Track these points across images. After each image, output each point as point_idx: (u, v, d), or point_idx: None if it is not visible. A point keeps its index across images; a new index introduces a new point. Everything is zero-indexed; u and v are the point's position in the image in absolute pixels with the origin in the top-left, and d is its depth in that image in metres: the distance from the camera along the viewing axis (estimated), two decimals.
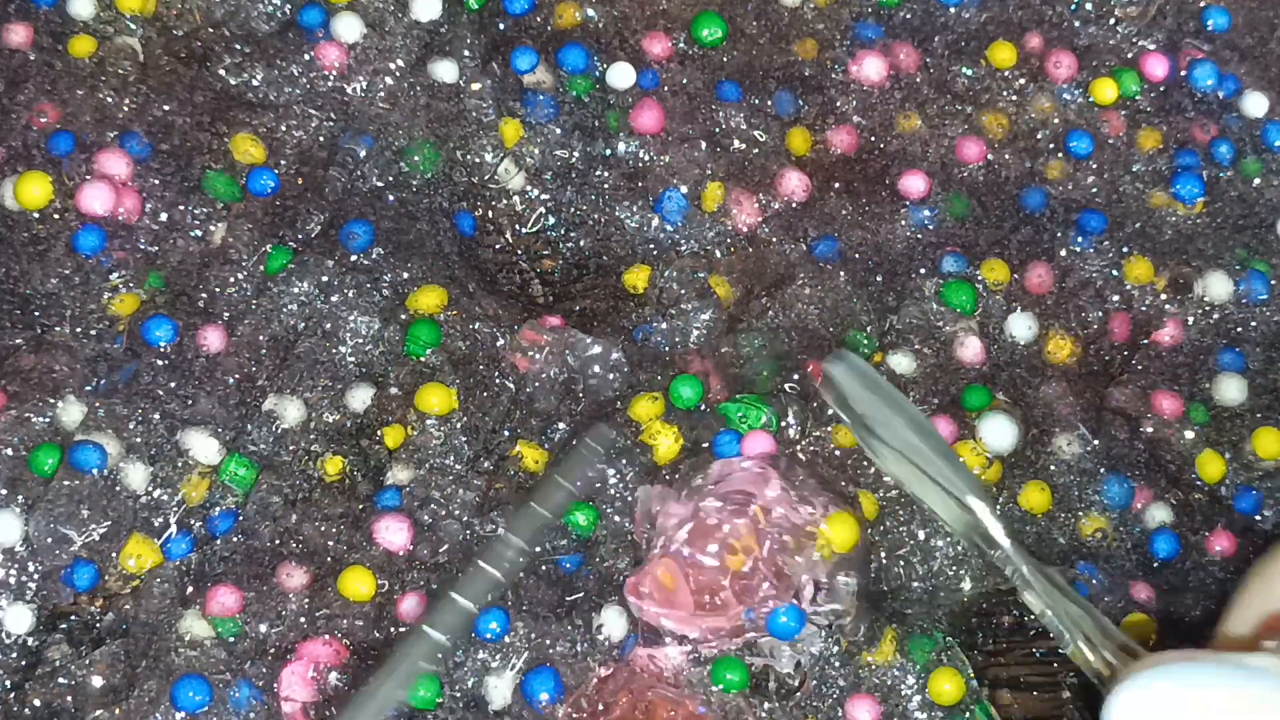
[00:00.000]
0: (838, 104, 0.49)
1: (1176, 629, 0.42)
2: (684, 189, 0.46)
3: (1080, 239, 0.47)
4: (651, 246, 0.47)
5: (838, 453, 0.42)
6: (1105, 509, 0.43)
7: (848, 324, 0.45)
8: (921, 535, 0.42)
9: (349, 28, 0.47)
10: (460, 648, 0.38)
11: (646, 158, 0.47)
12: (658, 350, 0.44)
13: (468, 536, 0.41)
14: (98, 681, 0.39)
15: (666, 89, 0.48)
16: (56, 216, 0.44)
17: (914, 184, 0.47)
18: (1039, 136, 0.49)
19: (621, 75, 0.48)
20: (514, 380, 0.43)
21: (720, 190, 0.46)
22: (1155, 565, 0.43)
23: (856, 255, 0.46)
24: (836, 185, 0.48)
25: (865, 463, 0.42)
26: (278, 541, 0.41)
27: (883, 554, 0.42)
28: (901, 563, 0.42)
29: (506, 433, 0.43)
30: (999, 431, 0.43)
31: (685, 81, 0.48)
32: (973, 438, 0.43)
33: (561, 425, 0.43)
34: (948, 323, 0.45)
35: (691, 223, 0.46)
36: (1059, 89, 0.49)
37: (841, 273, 0.45)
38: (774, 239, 0.46)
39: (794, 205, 0.47)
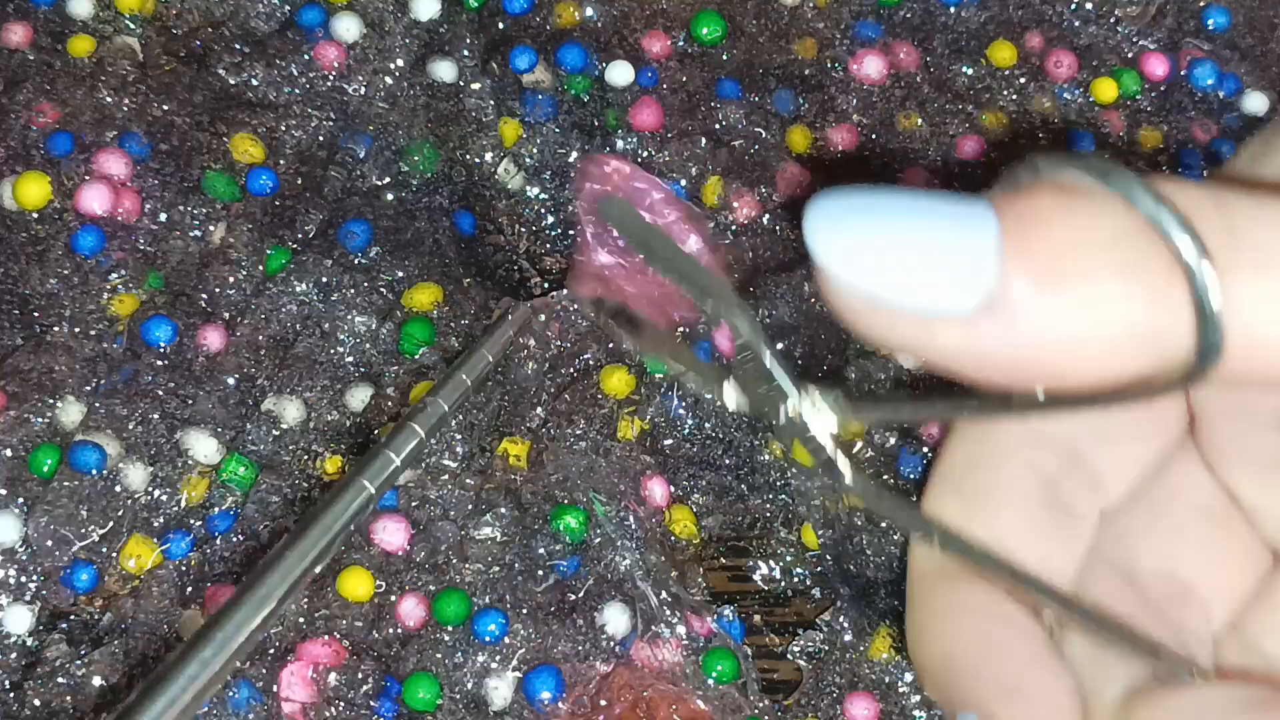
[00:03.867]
0: (838, 102, 0.48)
1: None
2: (683, 183, 0.46)
3: None
4: None
5: None
6: None
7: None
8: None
9: (348, 27, 0.47)
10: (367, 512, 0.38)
11: (645, 154, 0.47)
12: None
13: (463, 537, 0.41)
14: (97, 681, 0.39)
15: (665, 87, 0.48)
16: (55, 217, 0.44)
17: (916, 182, 0.47)
18: (1039, 136, 0.49)
19: (620, 73, 0.48)
20: (504, 374, 0.43)
21: (720, 185, 0.46)
22: None
23: None
24: (838, 183, 0.48)
25: None
26: (277, 541, 0.41)
27: (874, 549, 0.42)
28: (896, 561, 0.42)
29: (497, 431, 0.43)
30: None
31: (684, 79, 0.48)
32: None
33: (539, 412, 0.43)
34: None
35: None
36: (1059, 88, 0.49)
37: None
38: (775, 229, 0.46)
39: (796, 202, 0.47)
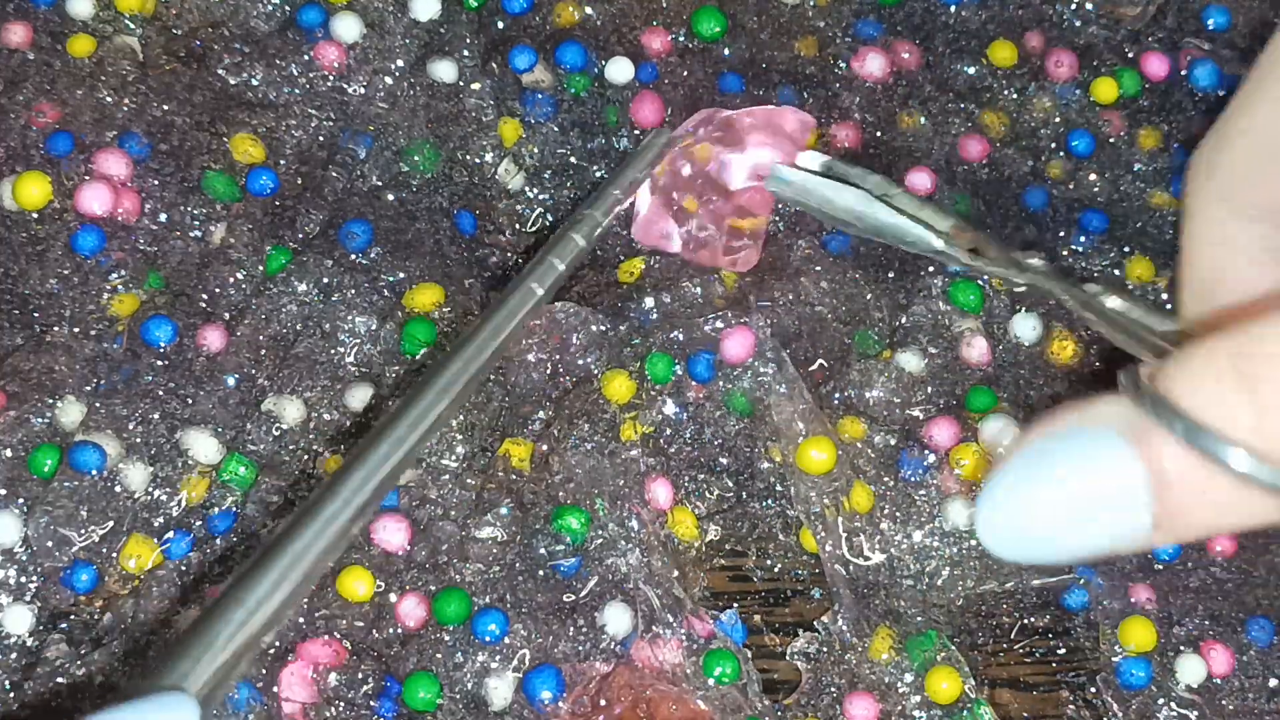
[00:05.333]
0: (841, 99, 0.48)
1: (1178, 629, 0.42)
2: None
3: (1082, 238, 0.47)
4: None
5: None
6: None
7: (860, 319, 0.45)
8: (917, 536, 0.42)
9: (348, 27, 0.47)
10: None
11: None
12: (643, 323, 0.44)
13: (463, 537, 0.41)
14: (97, 682, 0.39)
15: (667, 82, 0.48)
16: (55, 217, 0.44)
17: (920, 180, 0.47)
18: (1040, 135, 0.49)
19: (620, 70, 0.48)
20: (505, 375, 0.43)
21: None
22: (1156, 567, 0.43)
23: (861, 249, 0.46)
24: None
25: None
26: None
27: (877, 552, 0.42)
28: (896, 561, 0.42)
29: (498, 432, 0.43)
30: (1002, 434, 0.43)
31: (685, 74, 0.48)
32: (975, 440, 0.43)
33: (541, 415, 0.43)
34: (954, 322, 0.45)
35: None
36: (1059, 88, 0.49)
37: (856, 270, 0.45)
38: (786, 231, 0.46)
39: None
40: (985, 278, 0.45)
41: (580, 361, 0.43)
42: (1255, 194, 0.29)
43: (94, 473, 0.41)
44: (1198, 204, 0.30)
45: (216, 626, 0.29)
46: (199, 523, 0.41)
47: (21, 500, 0.40)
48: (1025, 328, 0.45)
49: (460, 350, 0.36)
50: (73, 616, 0.41)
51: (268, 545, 0.30)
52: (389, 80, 0.48)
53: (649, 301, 0.44)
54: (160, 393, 0.42)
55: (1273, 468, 0.24)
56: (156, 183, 0.45)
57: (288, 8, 0.48)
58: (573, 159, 0.47)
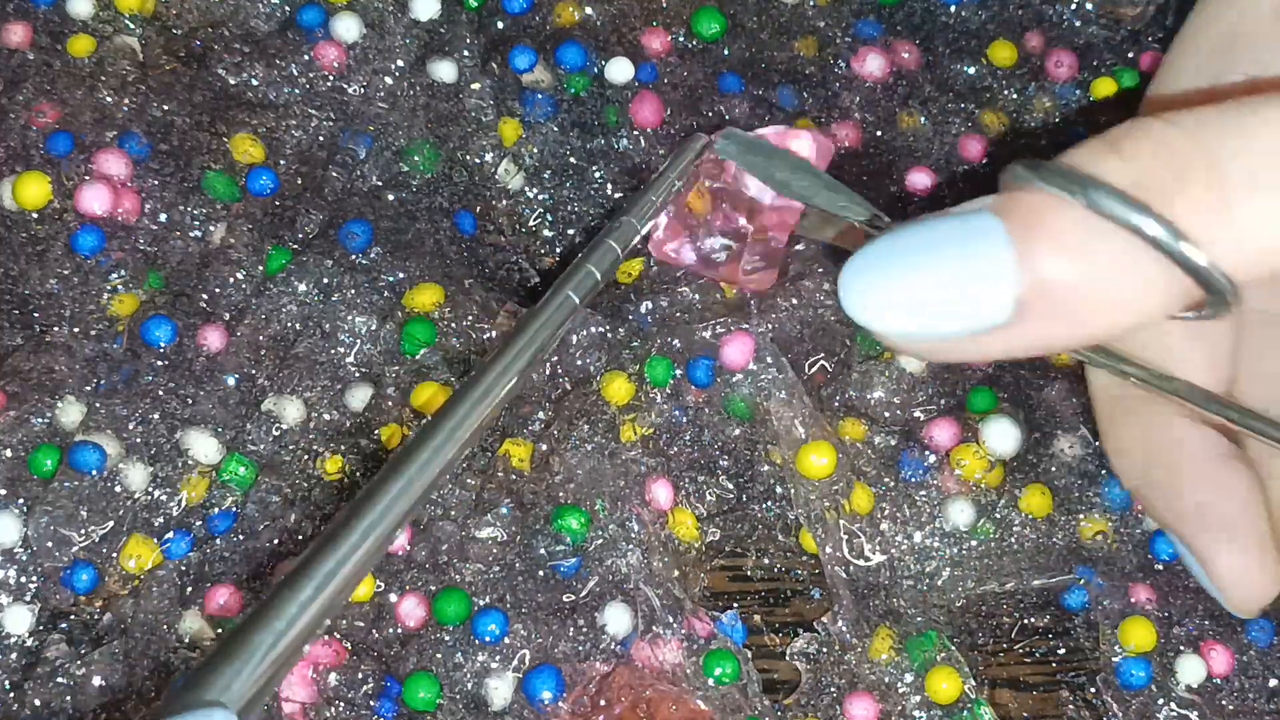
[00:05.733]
0: (841, 99, 0.48)
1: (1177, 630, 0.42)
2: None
3: None
4: None
5: None
6: (1106, 511, 0.43)
7: None
8: (918, 536, 0.42)
9: (348, 27, 0.47)
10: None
11: (646, 149, 0.47)
12: (641, 326, 0.44)
13: (463, 537, 0.41)
14: (97, 681, 0.39)
15: (666, 82, 0.48)
16: (55, 217, 0.44)
17: (920, 180, 0.47)
18: (1040, 136, 0.49)
19: (619, 70, 0.48)
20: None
21: None
22: (1156, 567, 0.43)
23: None
24: (844, 179, 0.47)
25: None
26: (277, 541, 0.41)
27: (877, 553, 0.42)
28: (896, 562, 0.42)
29: (498, 432, 0.43)
30: (1002, 435, 0.43)
31: (685, 74, 0.48)
32: (975, 441, 0.43)
33: (541, 415, 0.43)
34: None
35: None
36: (1059, 88, 0.49)
37: None
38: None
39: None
40: None
41: (579, 362, 0.43)
42: None
43: (94, 473, 0.41)
44: None
45: (256, 638, 0.28)
46: (199, 523, 0.41)
47: (21, 500, 0.40)
48: None
49: (499, 358, 0.36)
50: (73, 616, 0.41)
51: (309, 554, 0.30)
52: (389, 80, 0.48)
53: (646, 305, 0.44)
54: (160, 393, 0.42)
55: (1191, 246, 0.25)
56: (156, 183, 0.45)
57: (288, 8, 0.48)
58: (572, 159, 0.47)
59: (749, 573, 0.44)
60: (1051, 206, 0.26)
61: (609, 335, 0.43)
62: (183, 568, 0.41)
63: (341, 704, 0.39)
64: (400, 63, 0.48)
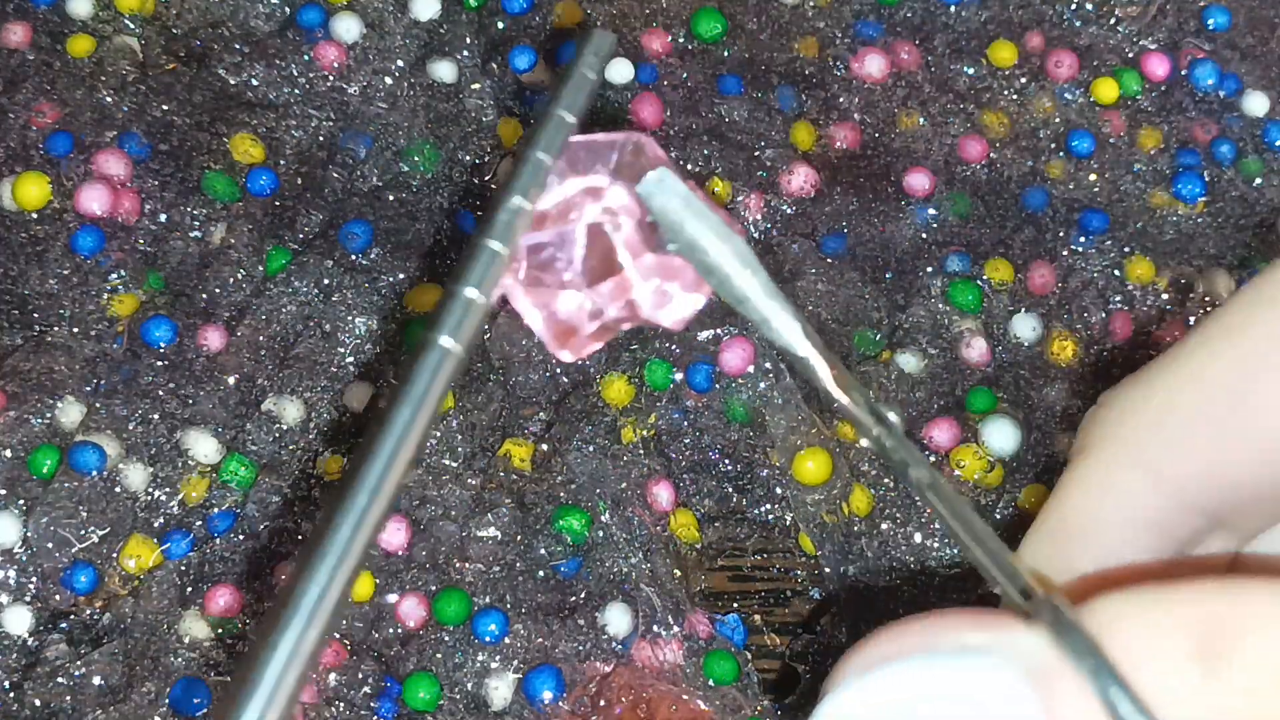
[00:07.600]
0: (840, 100, 0.48)
1: None
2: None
3: (1082, 239, 0.47)
4: None
5: None
6: None
7: (859, 320, 0.45)
8: (917, 537, 0.42)
9: (348, 27, 0.47)
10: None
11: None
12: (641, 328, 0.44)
13: (464, 537, 0.41)
14: (97, 681, 0.39)
15: (666, 83, 0.48)
16: (55, 217, 0.44)
17: (918, 181, 0.47)
18: (1040, 136, 0.49)
19: (620, 71, 0.48)
20: (505, 376, 0.43)
21: (727, 187, 0.46)
22: None
23: (859, 250, 0.46)
24: (842, 181, 0.48)
25: None
26: (278, 541, 0.41)
27: (874, 553, 0.42)
28: (896, 562, 0.42)
29: (499, 432, 0.43)
30: (1002, 435, 0.43)
31: (685, 76, 0.48)
32: (975, 441, 0.43)
33: (542, 416, 0.43)
34: (954, 322, 0.45)
35: None
36: (1060, 88, 0.49)
37: (853, 271, 0.45)
38: (782, 233, 0.46)
39: (804, 200, 0.47)
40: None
41: (580, 363, 0.43)
42: (1169, 460, 0.26)
43: (94, 473, 0.41)
44: (1100, 444, 0.27)
45: (275, 660, 0.27)
46: (199, 523, 0.41)
47: (21, 501, 0.40)
48: (1025, 328, 0.45)
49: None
50: (73, 616, 0.41)
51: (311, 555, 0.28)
52: (389, 80, 0.48)
53: None
54: (160, 393, 0.42)
55: None
56: (156, 183, 0.45)
57: (288, 8, 0.48)
58: None
59: (749, 573, 0.44)
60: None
61: None
62: (183, 568, 0.41)
63: (341, 704, 0.39)
64: (400, 63, 0.48)
